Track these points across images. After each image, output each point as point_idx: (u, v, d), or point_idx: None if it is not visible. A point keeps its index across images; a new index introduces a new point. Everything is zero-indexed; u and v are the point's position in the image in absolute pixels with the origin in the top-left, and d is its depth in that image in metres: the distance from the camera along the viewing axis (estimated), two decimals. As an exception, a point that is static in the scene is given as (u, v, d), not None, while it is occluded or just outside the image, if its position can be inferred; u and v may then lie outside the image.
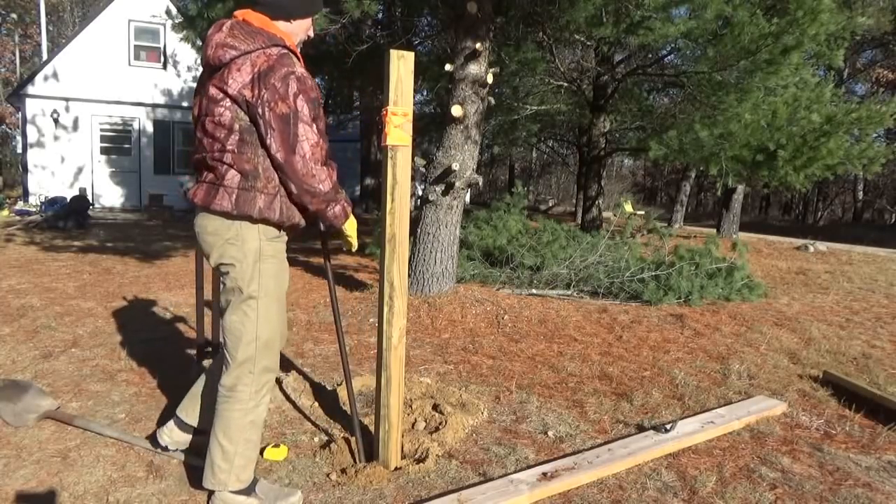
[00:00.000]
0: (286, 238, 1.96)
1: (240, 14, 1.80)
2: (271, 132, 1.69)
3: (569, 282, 5.53)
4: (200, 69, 1.91)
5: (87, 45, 14.10)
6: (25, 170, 14.11)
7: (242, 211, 1.75)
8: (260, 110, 1.68)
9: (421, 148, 10.97)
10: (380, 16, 7.76)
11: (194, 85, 15.28)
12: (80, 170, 14.40)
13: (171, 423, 2.21)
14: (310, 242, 9.51)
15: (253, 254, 1.82)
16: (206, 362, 2.88)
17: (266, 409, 1.97)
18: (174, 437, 2.20)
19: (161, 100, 15.01)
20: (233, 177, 1.75)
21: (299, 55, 1.84)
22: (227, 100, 1.71)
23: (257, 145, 1.74)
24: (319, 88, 1.88)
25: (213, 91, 1.73)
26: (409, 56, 2.08)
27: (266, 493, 1.95)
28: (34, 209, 12.13)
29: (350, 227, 2.01)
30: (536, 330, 4.34)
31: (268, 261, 1.86)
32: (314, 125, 1.73)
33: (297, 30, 1.88)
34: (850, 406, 3.05)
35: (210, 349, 2.88)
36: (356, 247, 2.07)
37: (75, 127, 14.28)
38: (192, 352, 3.53)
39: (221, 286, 1.90)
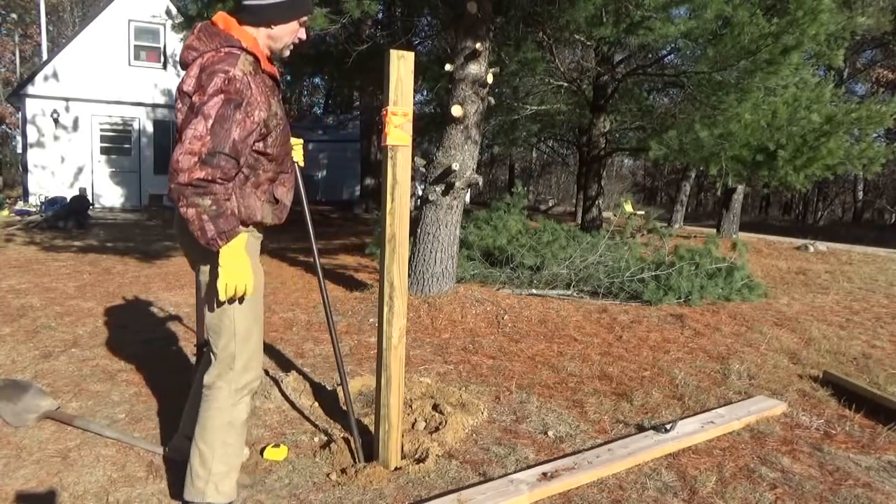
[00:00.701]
0: (259, 234, 1.95)
1: (216, 16, 1.82)
2: (189, 114, 1.68)
3: (569, 282, 5.53)
4: None
5: (87, 45, 14.10)
6: (25, 170, 14.11)
7: (175, 199, 1.68)
8: (195, 97, 1.69)
9: (421, 148, 10.97)
10: (380, 16, 7.77)
11: (194, 85, 15.32)
12: (80, 170, 14.40)
13: (176, 437, 2.21)
14: (309, 243, 9.51)
15: None
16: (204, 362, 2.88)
17: (246, 412, 1.91)
18: (182, 451, 2.10)
19: (161, 100, 15.01)
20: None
21: (261, 56, 1.81)
22: (182, 100, 1.74)
23: None
24: (272, 95, 1.83)
25: (177, 92, 1.76)
26: (409, 56, 2.08)
27: None
28: (34, 209, 12.13)
29: (224, 259, 1.70)
30: (536, 330, 4.34)
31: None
32: (213, 121, 1.64)
33: (281, 34, 1.86)
34: (850, 406, 3.05)
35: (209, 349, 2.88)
36: (222, 295, 1.73)
37: (75, 127, 14.28)
38: (192, 352, 3.54)
39: (197, 283, 1.92)
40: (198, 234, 1.67)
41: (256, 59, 1.78)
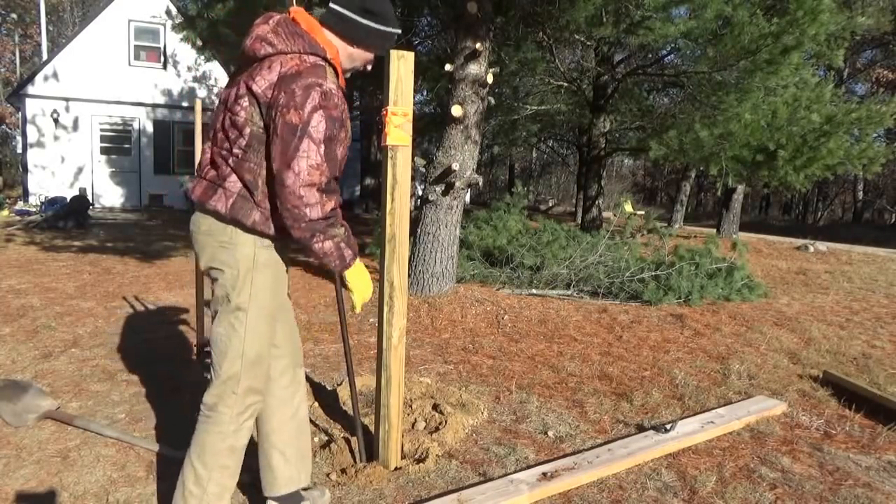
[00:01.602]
0: (288, 246, 1.82)
1: (294, 11, 1.70)
2: (276, 139, 1.56)
3: (569, 282, 5.53)
4: (233, 66, 1.81)
5: (87, 45, 14.10)
6: (25, 170, 14.11)
7: (235, 216, 1.62)
8: (273, 112, 1.57)
9: (421, 148, 10.97)
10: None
11: (194, 85, 15.31)
12: (80, 170, 14.40)
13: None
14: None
15: (246, 260, 1.66)
16: (205, 362, 2.88)
17: (248, 436, 1.77)
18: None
19: (161, 100, 15.01)
20: (234, 182, 1.63)
21: (340, 70, 1.73)
22: (247, 98, 1.60)
23: (262, 155, 1.62)
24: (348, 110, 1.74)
25: (239, 85, 1.62)
26: (409, 56, 2.08)
27: None
28: (34, 209, 12.13)
29: (354, 278, 1.74)
30: (536, 330, 4.34)
31: (262, 271, 1.69)
32: (324, 146, 1.58)
33: (355, 54, 1.77)
34: (850, 406, 3.05)
35: (210, 349, 2.88)
36: (359, 309, 1.78)
37: (75, 127, 14.28)
38: (192, 352, 3.54)
39: (212, 293, 1.75)
40: (336, 263, 1.66)
41: (336, 72, 1.70)
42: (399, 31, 1.85)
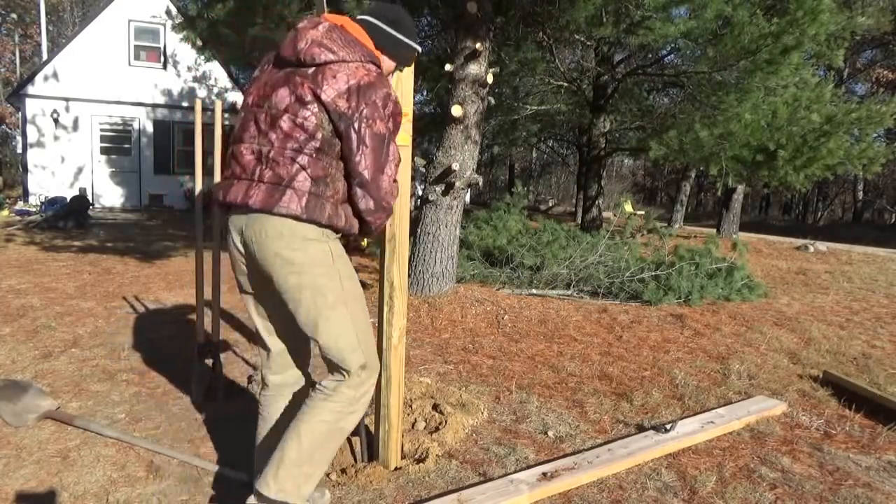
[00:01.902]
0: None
1: (335, 20, 1.74)
2: (364, 149, 1.65)
3: (569, 282, 5.53)
4: (268, 59, 1.80)
5: (87, 45, 14.10)
6: (25, 170, 14.11)
7: (312, 216, 1.64)
8: (356, 125, 1.63)
9: (421, 148, 10.97)
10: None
11: (194, 85, 15.31)
12: (80, 170, 14.39)
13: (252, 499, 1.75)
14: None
15: (325, 256, 1.71)
16: (205, 362, 2.88)
17: (358, 420, 1.82)
18: None
19: (161, 100, 15.01)
20: (304, 180, 1.64)
21: None
22: (316, 105, 1.63)
23: (332, 156, 1.67)
24: None
25: (301, 91, 1.63)
26: (409, 56, 2.08)
27: None
28: (34, 209, 12.13)
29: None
30: (536, 330, 4.34)
31: (340, 261, 1.76)
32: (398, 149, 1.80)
33: (385, 67, 1.84)
34: (850, 406, 3.05)
35: (210, 349, 2.88)
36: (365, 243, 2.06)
37: (75, 127, 14.28)
38: (192, 352, 3.53)
39: (274, 302, 1.75)
40: (378, 229, 1.84)
41: None
42: (419, 50, 1.96)
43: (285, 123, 1.65)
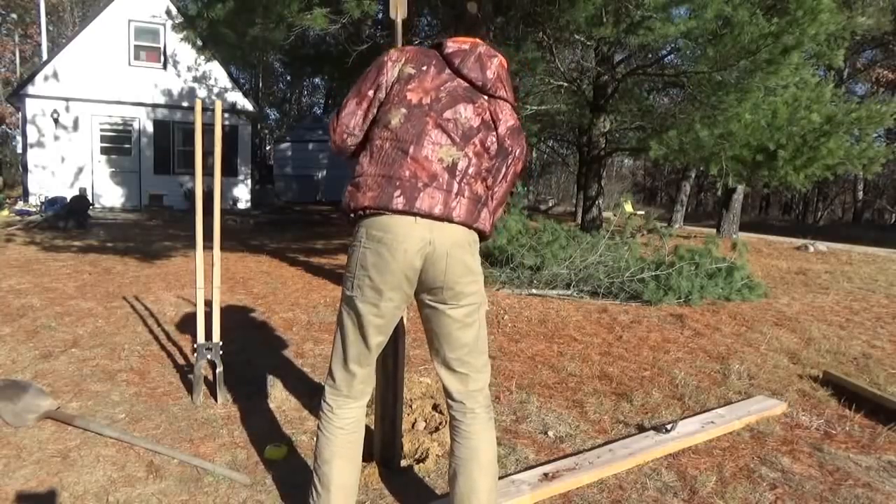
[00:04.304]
0: None
1: (501, 60, 1.81)
2: (504, 184, 1.79)
3: (569, 282, 5.53)
4: (430, 61, 1.75)
5: (87, 45, 14.10)
6: (25, 170, 14.11)
7: (489, 230, 1.75)
8: (509, 161, 1.76)
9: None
10: (380, 16, 7.76)
11: (194, 85, 15.30)
12: (80, 170, 14.39)
13: None
14: (310, 243, 9.51)
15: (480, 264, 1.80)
16: (204, 363, 2.88)
17: None
18: None
19: (161, 100, 15.01)
20: (487, 199, 1.75)
21: None
22: (494, 134, 1.73)
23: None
24: None
25: (486, 118, 1.73)
26: (409, 56, 2.08)
27: None
28: (34, 209, 12.12)
29: None
30: (536, 330, 4.34)
31: None
32: None
33: None
34: (850, 406, 3.05)
35: (210, 349, 2.88)
36: None
37: (75, 127, 14.28)
38: (192, 352, 3.53)
39: (443, 309, 1.70)
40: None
41: None
42: None
43: (478, 142, 1.70)
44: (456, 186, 1.65)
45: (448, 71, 1.73)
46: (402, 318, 2.20)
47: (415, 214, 1.60)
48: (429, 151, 1.64)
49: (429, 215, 1.60)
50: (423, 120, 1.66)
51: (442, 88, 1.70)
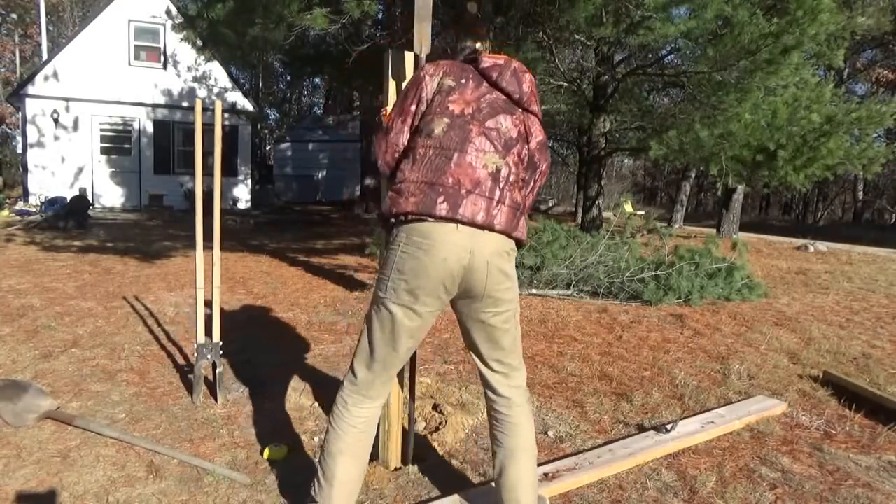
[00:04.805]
0: None
1: (531, 77, 1.88)
2: (530, 195, 1.88)
3: (569, 282, 5.53)
4: (463, 75, 1.80)
5: (87, 45, 14.10)
6: (25, 170, 14.11)
7: (525, 239, 1.79)
8: (536, 175, 1.86)
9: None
10: (380, 16, 7.77)
11: (194, 85, 15.30)
12: (80, 170, 14.40)
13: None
14: (310, 243, 9.51)
15: None
16: (204, 363, 2.88)
17: None
18: None
19: (161, 100, 15.01)
20: (525, 208, 1.80)
21: None
22: (527, 147, 1.81)
23: None
24: None
25: (522, 129, 1.80)
26: (409, 56, 2.09)
27: None
28: (34, 209, 12.12)
29: None
30: (536, 330, 4.34)
31: None
32: None
33: None
34: (850, 406, 3.05)
35: (210, 349, 2.88)
36: None
37: (75, 127, 14.28)
38: (192, 352, 3.53)
39: (483, 317, 1.74)
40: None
41: None
42: None
43: (516, 152, 1.76)
44: (498, 193, 1.69)
45: (486, 84, 1.79)
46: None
47: (458, 221, 1.63)
48: (473, 158, 1.68)
49: (471, 222, 1.63)
50: (467, 128, 1.71)
51: (482, 100, 1.76)
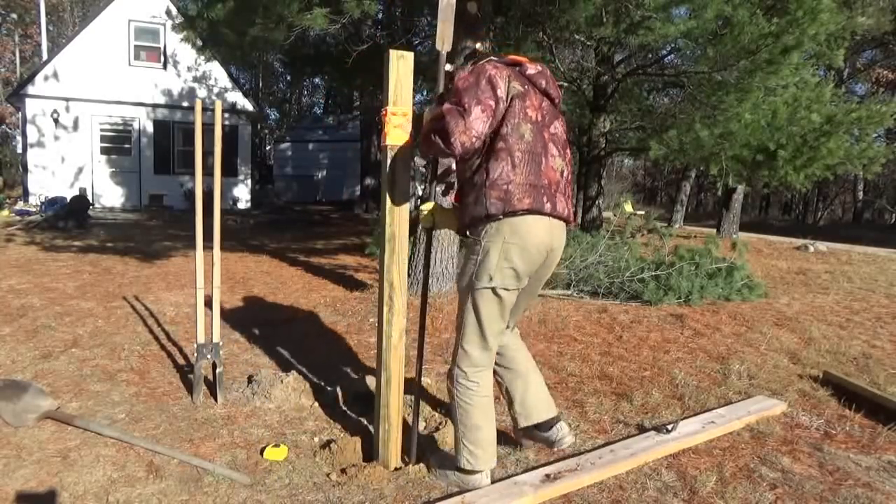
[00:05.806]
0: None
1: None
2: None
3: (569, 282, 5.53)
4: (519, 81, 2.03)
5: (87, 45, 14.10)
6: (25, 170, 14.10)
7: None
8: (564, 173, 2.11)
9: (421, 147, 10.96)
10: (380, 16, 7.76)
11: (194, 85, 15.30)
12: (80, 170, 14.39)
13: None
14: (310, 243, 9.51)
15: None
16: (204, 363, 2.88)
17: None
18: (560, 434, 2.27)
19: (161, 100, 15.01)
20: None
21: None
22: (554, 110, 2.08)
23: None
24: None
25: (564, 131, 2.08)
26: (409, 56, 2.09)
27: None
28: (34, 209, 12.12)
29: None
30: (536, 330, 4.34)
31: None
32: None
33: None
34: (850, 406, 3.04)
35: (210, 349, 2.88)
36: None
37: (75, 127, 14.28)
38: (192, 352, 3.53)
39: (536, 288, 2.20)
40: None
41: None
42: None
43: (568, 151, 2.08)
44: (565, 191, 2.04)
45: (538, 91, 2.02)
46: (405, 320, 2.20)
47: (555, 216, 1.99)
48: (552, 162, 2.00)
49: (560, 216, 2.01)
50: (542, 134, 1.99)
51: (543, 106, 2.02)
